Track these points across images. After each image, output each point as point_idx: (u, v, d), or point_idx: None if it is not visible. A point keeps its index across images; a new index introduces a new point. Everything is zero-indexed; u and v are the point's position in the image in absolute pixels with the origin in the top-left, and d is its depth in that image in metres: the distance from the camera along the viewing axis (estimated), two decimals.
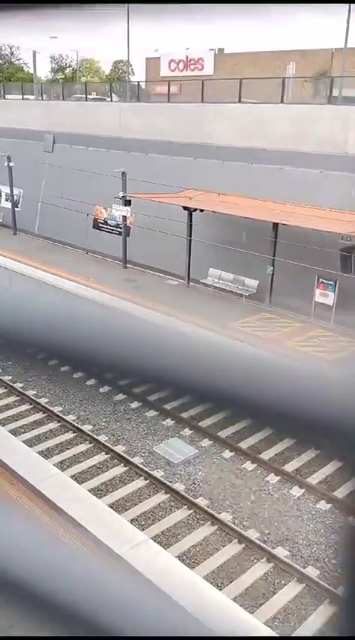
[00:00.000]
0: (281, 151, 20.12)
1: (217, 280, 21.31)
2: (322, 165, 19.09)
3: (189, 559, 10.55)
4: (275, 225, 17.98)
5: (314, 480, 12.78)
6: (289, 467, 13.18)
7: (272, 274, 18.85)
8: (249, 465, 13.30)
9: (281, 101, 22.08)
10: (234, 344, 0.58)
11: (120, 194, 21.84)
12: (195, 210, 20.12)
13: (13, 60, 77.44)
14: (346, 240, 17.19)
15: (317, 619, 9.36)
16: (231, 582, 10.12)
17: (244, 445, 13.93)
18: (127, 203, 21.96)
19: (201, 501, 12.03)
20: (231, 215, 18.72)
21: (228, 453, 13.71)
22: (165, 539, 10.95)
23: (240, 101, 22.74)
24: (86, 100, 31.82)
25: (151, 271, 23.31)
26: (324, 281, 17.86)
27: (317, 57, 40.37)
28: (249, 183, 20.53)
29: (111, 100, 31.90)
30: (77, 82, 55.96)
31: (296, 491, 12.47)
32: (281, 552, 10.74)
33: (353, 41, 39.43)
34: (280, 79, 23.42)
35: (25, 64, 74.61)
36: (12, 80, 59.59)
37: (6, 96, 37.78)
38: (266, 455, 13.60)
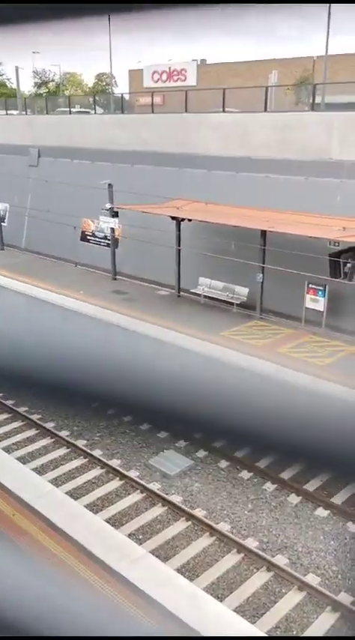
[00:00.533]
0: (267, 159, 20.23)
1: (207, 289, 21.31)
2: (307, 172, 19.22)
3: (189, 571, 10.44)
4: (264, 233, 18.03)
5: (311, 486, 12.74)
6: (285, 474, 13.13)
7: (262, 282, 18.88)
8: (245, 474, 13.24)
9: (265, 110, 22.23)
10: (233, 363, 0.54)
11: (108, 206, 21.83)
12: (183, 219, 20.15)
13: None
14: (334, 246, 17.27)
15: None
16: (231, 593, 10.02)
17: (240, 454, 13.88)
18: (115, 215, 21.95)
19: (199, 512, 11.94)
20: (219, 224, 18.76)
21: (224, 463, 13.65)
22: (163, 552, 10.84)
23: (224, 111, 22.88)
24: (70, 113, 31.88)
25: (141, 282, 23.27)
26: (314, 286, 17.91)
27: (299, 65, 40.82)
28: (236, 191, 20.61)
29: (95, 113, 31.99)
30: (61, 96, 56.16)
31: (294, 499, 12.42)
32: (280, 560, 10.66)
33: (334, 48, 39.95)
34: (263, 88, 23.60)
35: (8, 79, 74.75)
36: None
37: None
38: (262, 463, 13.55)
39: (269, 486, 12.81)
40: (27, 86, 73.65)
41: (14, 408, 15.97)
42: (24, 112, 35.17)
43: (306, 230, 16.40)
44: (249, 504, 12.32)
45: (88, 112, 33.83)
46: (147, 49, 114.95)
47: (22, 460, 13.10)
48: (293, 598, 9.87)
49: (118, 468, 13.29)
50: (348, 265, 17.03)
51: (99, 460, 13.61)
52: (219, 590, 10.06)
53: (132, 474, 13.19)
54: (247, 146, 20.96)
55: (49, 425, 15.18)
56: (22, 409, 15.92)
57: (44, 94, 66.21)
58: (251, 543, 11.08)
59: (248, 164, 20.73)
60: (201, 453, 14.02)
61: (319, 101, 24.22)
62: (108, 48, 48.45)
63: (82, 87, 75.47)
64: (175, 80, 50.56)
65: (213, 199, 20.65)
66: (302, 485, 12.70)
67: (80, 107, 38.76)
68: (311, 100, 23.29)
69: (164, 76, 51.80)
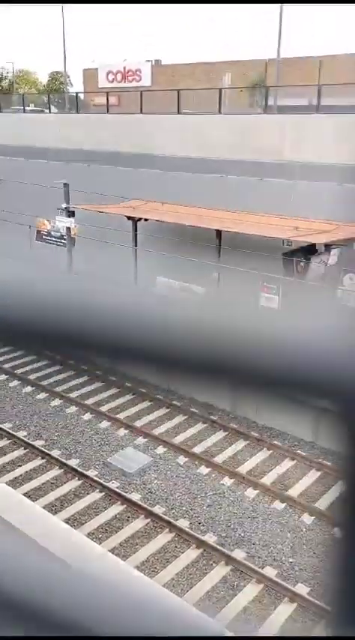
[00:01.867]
0: (222, 160, 20.51)
1: (165, 288, 21.43)
2: (261, 173, 19.59)
3: (148, 568, 10.52)
4: (219, 233, 18.28)
5: (268, 479, 13.02)
6: (242, 469, 13.37)
7: (218, 280, 19.13)
8: (203, 470, 13.41)
9: (219, 111, 22.53)
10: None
11: (63, 205, 21.66)
12: (140, 219, 20.20)
13: None
14: (287, 245, 17.67)
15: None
16: (190, 588, 10.16)
17: (198, 450, 14.05)
18: (71, 214, 21.79)
19: (158, 509, 12.03)
20: (175, 224, 18.90)
21: (182, 459, 13.78)
22: (123, 551, 10.89)
23: (179, 112, 23.05)
24: (24, 111, 31.43)
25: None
26: (268, 285, 18.27)
27: (252, 67, 41.47)
28: (192, 192, 20.80)
29: (49, 112, 31.64)
30: (14, 94, 55.18)
31: (251, 493, 12.66)
32: (238, 554, 10.86)
33: (286, 51, 40.70)
34: (216, 90, 23.89)
35: None
36: None
37: None
38: (219, 458, 13.76)
39: (227, 481, 13.01)
40: None
41: None
42: None
43: (261, 230, 16.74)
44: (207, 500, 12.48)
45: (42, 111, 33.43)
46: (101, 47, 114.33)
47: None
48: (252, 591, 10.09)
49: (77, 468, 13.24)
50: (301, 264, 17.47)
51: (57, 460, 13.52)
52: (180, 586, 10.19)
53: (91, 473, 13.16)
54: (203, 147, 21.19)
55: (6, 425, 14.97)
56: None
57: None
58: (209, 539, 11.25)
59: (204, 165, 20.96)
60: (160, 450, 14.12)
61: (272, 103, 24.71)
62: (62, 45, 47.96)
63: (36, 85, 74.36)
64: (130, 80, 50.50)
65: (169, 199, 20.79)
66: (259, 480, 12.97)
67: (34, 106, 38.25)
68: (264, 103, 23.75)
69: (119, 76, 51.65)
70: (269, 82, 35.83)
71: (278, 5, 31.37)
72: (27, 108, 32.72)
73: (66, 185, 21.42)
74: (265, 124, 20.56)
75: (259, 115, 23.61)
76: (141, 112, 24.23)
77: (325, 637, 0.49)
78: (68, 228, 22.49)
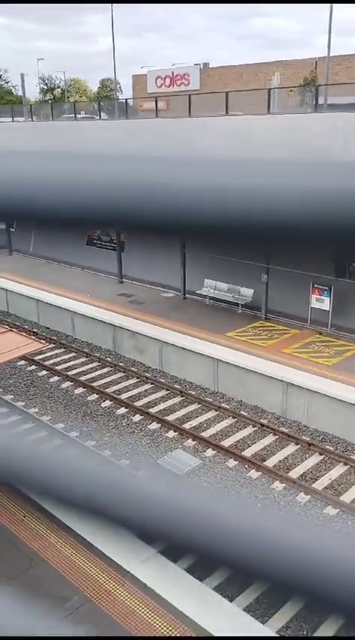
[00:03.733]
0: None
1: (213, 291, 21.42)
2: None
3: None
4: None
5: (319, 485, 12.79)
6: (293, 474, 13.19)
7: (267, 282, 18.97)
8: (253, 473, 13.31)
9: (268, 112, 22.34)
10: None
11: None
12: None
13: (1, 83, 78.16)
14: None
15: None
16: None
17: (248, 453, 13.95)
18: None
19: None
20: None
21: (231, 462, 13.73)
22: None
23: (227, 114, 23.01)
24: (75, 119, 32.14)
25: (147, 285, 23.42)
26: (319, 286, 17.97)
27: (301, 67, 40.95)
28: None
29: (99, 118, 32.21)
30: (66, 102, 56.53)
31: (302, 498, 12.47)
32: None
33: (335, 49, 39.98)
34: (265, 90, 23.70)
35: (14, 86, 75.31)
36: (1, 103, 60.14)
37: None
38: (270, 462, 13.62)
39: (278, 485, 12.87)
40: (33, 93, 74.26)
41: (24, 409, 16.12)
42: (29, 119, 35.47)
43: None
44: (257, 504, 12.36)
45: (92, 118, 34.07)
46: (150, 52, 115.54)
47: None
48: None
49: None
50: (354, 265, 17.10)
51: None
52: None
53: (141, 474, 13.28)
54: (251, 148, 21.08)
55: (59, 426, 15.32)
56: (32, 410, 16.07)
57: (49, 101, 66.68)
58: None
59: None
60: (209, 452, 14.11)
61: (322, 102, 24.30)
62: (111, 53, 48.71)
63: (86, 93, 75.93)
64: (179, 84, 50.81)
65: None
66: (312, 485, 12.76)
67: (85, 113, 39.01)
68: (314, 102, 23.39)
69: (167, 81, 52.08)
70: (319, 81, 35.30)
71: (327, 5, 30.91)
72: (78, 115, 33.44)
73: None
74: (314, 122, 20.25)
75: (308, 114, 23.27)
76: (189, 115, 24.33)
77: (325, 637, 0.49)
78: (118, 233, 22.80)
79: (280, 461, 13.75)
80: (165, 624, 8.42)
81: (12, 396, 17.03)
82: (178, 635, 8.38)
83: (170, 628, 8.40)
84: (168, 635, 8.42)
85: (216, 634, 8.33)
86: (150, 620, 8.50)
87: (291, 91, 31.04)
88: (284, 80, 34.92)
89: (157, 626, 8.40)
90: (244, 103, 25.30)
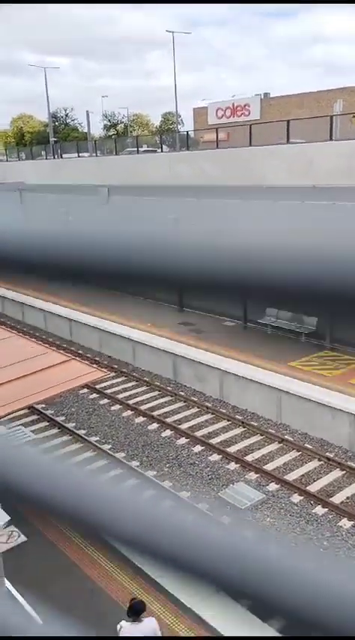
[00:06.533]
0: (332, 187, 19.99)
1: (274, 320, 21.07)
2: None
3: None
4: None
5: None
6: None
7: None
8: (319, 510, 12.74)
9: (330, 138, 22.10)
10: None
11: None
12: None
13: (68, 121, 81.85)
14: None
15: None
16: None
17: (313, 488, 13.40)
18: None
19: None
20: None
21: (296, 498, 13.21)
22: None
23: (288, 142, 22.94)
24: (138, 152, 32.99)
25: (207, 314, 23.35)
26: None
27: None
28: (302, 220, 20.43)
29: (161, 151, 32.93)
30: (129, 137, 58.33)
31: None
32: None
33: None
34: (327, 118, 23.50)
35: (80, 123, 78.67)
36: (68, 140, 62.81)
37: (63, 155, 39.77)
38: (337, 498, 13.01)
39: (346, 523, 12.24)
40: (97, 129, 77.25)
41: (86, 437, 16.23)
42: (94, 154, 36.76)
43: None
44: (324, 542, 11.80)
45: (154, 151, 34.88)
46: (212, 84, 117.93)
47: None
48: None
49: (188, 501, 13.14)
50: None
51: (168, 492, 13.52)
52: None
53: (201, 507, 12.99)
54: (312, 175, 20.83)
55: (120, 455, 15.31)
56: (93, 439, 16.17)
57: (113, 136, 69.07)
58: None
59: (313, 192, 20.56)
60: (273, 486, 13.65)
61: None
62: (172, 88, 50.10)
63: (148, 127, 78.18)
64: (239, 115, 51.40)
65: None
66: None
67: (147, 146, 40.05)
68: None
69: (228, 112, 52.82)
70: None
71: None
72: (140, 149, 34.34)
73: (176, 220, 21.96)
74: None
75: None
76: (250, 144, 24.43)
77: (324, 637, 0.50)
78: None
79: (348, 497, 13.11)
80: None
81: (74, 424, 17.22)
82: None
83: None
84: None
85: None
86: None
87: (354, 117, 30.63)
88: (347, 107, 34.59)
89: None
90: (306, 131, 25.17)
